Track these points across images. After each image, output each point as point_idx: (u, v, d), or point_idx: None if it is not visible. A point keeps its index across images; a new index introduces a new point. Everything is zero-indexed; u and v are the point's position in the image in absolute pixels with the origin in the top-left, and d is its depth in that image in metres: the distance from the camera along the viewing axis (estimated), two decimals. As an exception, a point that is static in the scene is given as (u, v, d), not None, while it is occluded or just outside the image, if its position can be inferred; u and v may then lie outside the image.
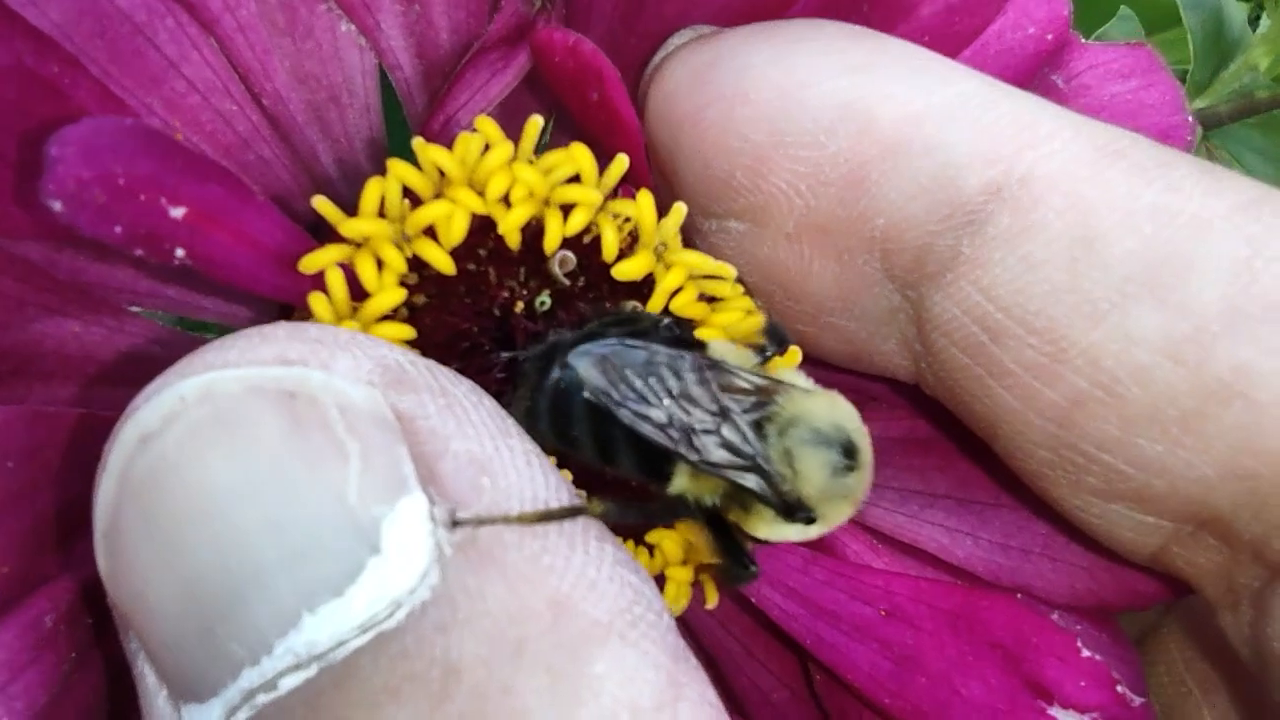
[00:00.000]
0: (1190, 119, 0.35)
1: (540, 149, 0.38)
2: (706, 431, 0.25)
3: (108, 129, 0.23)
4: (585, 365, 0.24)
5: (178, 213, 0.25)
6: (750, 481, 0.26)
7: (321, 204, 0.28)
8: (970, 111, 0.27)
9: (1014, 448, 0.29)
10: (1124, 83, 0.35)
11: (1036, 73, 0.35)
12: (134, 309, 0.32)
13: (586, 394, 0.25)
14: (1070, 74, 0.36)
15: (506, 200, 0.28)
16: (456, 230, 0.28)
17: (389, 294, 0.27)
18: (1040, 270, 0.26)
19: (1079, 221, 0.26)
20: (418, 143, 0.29)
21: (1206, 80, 0.82)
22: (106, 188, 0.23)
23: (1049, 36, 0.35)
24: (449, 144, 0.34)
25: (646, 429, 0.25)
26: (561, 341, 0.26)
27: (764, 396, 0.27)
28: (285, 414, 0.20)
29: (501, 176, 0.28)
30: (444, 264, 0.28)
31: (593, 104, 0.32)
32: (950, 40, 0.31)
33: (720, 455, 0.26)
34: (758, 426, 0.26)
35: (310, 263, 0.27)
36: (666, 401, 0.25)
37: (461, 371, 0.29)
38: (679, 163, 0.30)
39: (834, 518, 0.28)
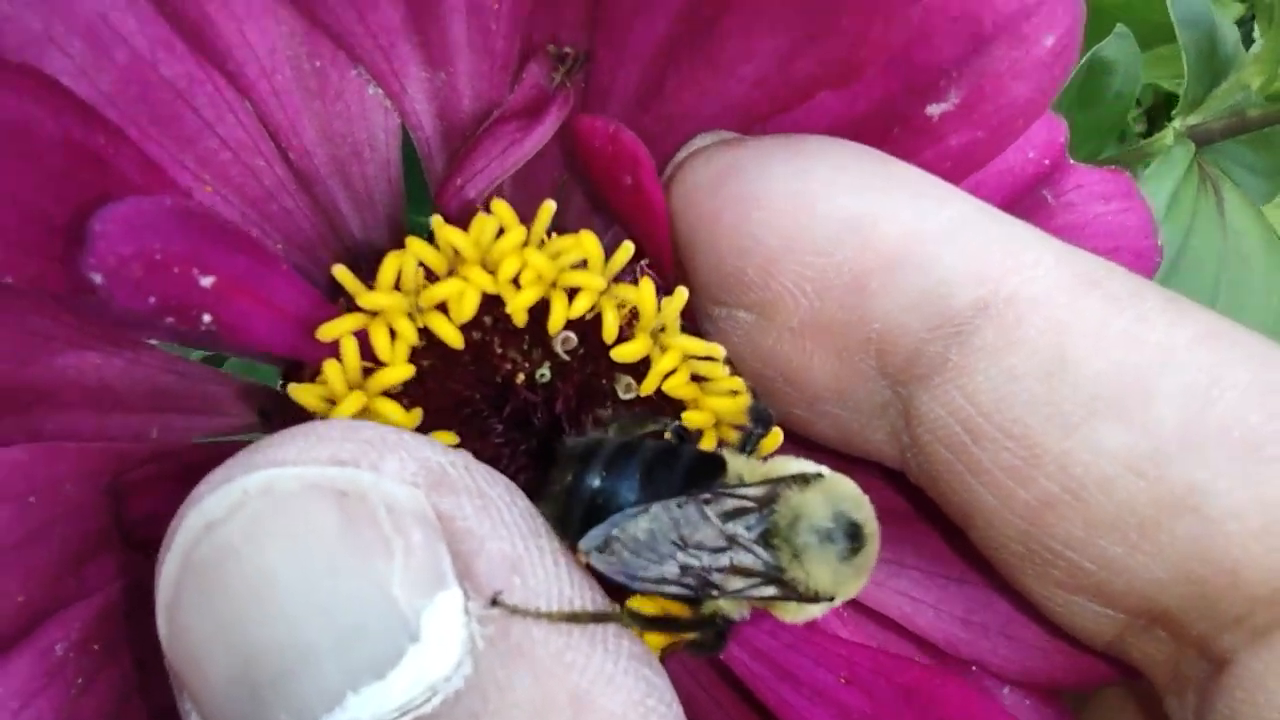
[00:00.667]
0: (1159, 243, 0.37)
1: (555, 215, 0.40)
2: (719, 569, 0.27)
3: (148, 209, 0.25)
4: (596, 558, 0.25)
5: (207, 282, 0.26)
6: (770, 591, 0.28)
7: (341, 274, 0.30)
8: (963, 234, 0.30)
9: (987, 538, 0.31)
10: (1106, 204, 0.38)
11: (1031, 191, 0.37)
12: (152, 342, 0.34)
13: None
14: (1059, 191, 0.38)
15: (516, 281, 0.30)
16: (467, 307, 0.29)
17: (399, 369, 0.29)
18: (1020, 382, 0.29)
19: (1056, 341, 0.28)
20: (436, 222, 0.31)
21: (1200, 97, 0.83)
22: (144, 263, 0.25)
23: (1046, 161, 0.37)
24: (463, 207, 0.36)
25: (668, 590, 0.27)
26: (593, 448, 0.28)
27: (764, 506, 0.28)
28: (338, 511, 0.22)
29: (513, 260, 0.30)
30: (453, 339, 0.29)
31: (626, 188, 0.34)
32: (967, 165, 0.33)
33: (737, 583, 0.28)
34: (765, 538, 0.28)
35: (327, 331, 0.29)
36: (679, 556, 0.26)
37: (462, 435, 0.31)
38: (695, 254, 0.32)
39: (851, 589, 0.30)
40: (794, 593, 0.28)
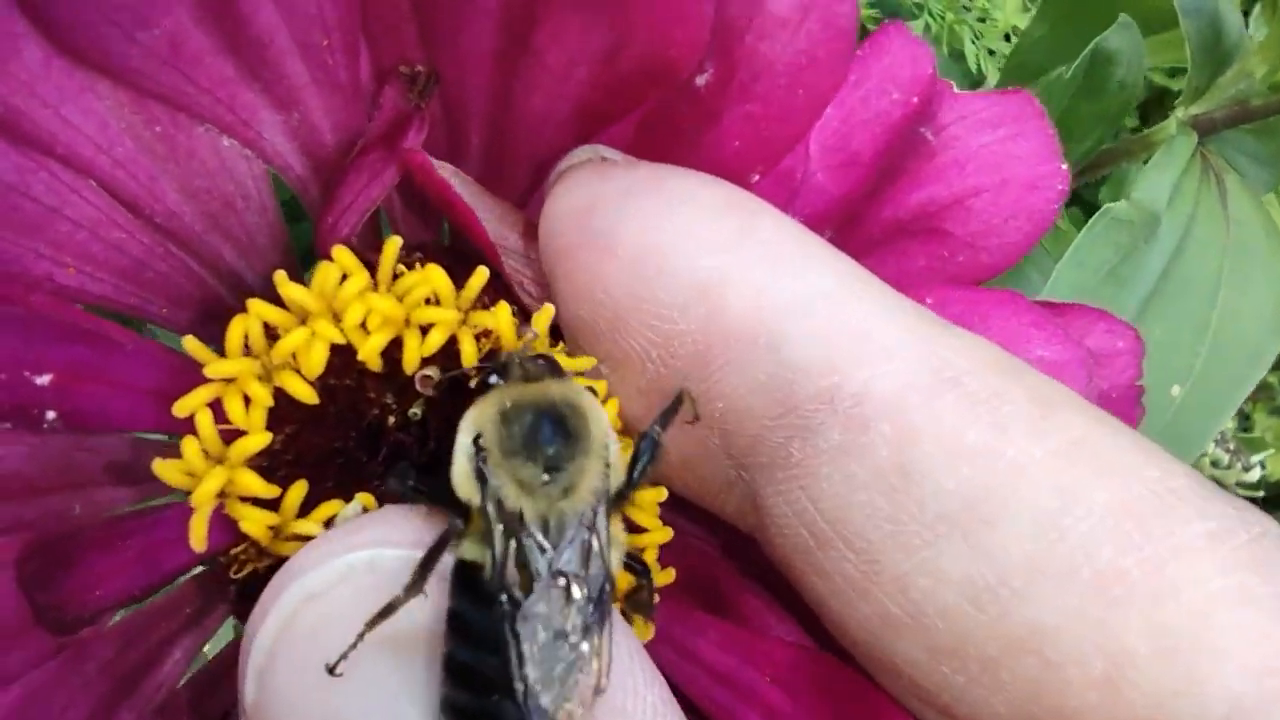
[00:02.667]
0: (1063, 168, 0.35)
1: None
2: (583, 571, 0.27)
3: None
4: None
5: (44, 380, 0.27)
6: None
7: (190, 344, 0.30)
8: (817, 310, 0.28)
9: (839, 636, 0.30)
10: (992, 132, 0.36)
11: (905, 133, 0.36)
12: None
13: None
14: (939, 126, 0.36)
15: (365, 326, 0.30)
16: (316, 360, 0.29)
17: (256, 437, 0.29)
18: (862, 493, 0.27)
19: (903, 452, 0.26)
20: (279, 278, 0.31)
21: (1204, 86, 0.80)
22: (-36, 377, 0.25)
23: (914, 99, 0.35)
24: (341, 244, 0.36)
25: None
26: None
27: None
28: None
29: (357, 306, 0.30)
30: (305, 394, 0.29)
31: (455, 223, 0.33)
32: (768, 144, 0.31)
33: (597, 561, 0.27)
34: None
35: (182, 407, 0.29)
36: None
37: (339, 486, 0.31)
38: (556, 290, 0.31)
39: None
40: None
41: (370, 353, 0.30)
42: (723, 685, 0.34)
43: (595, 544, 0.27)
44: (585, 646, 0.25)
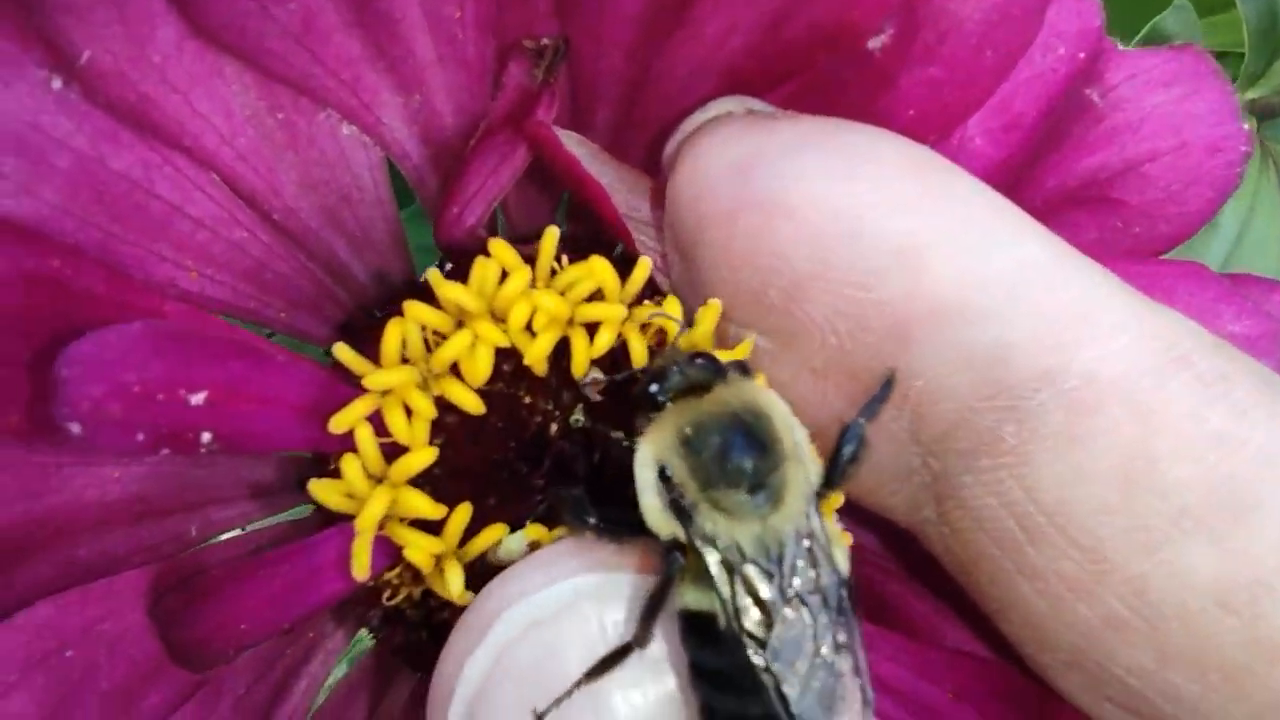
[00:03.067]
0: (1245, 128, 0.33)
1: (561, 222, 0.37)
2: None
3: (114, 340, 0.23)
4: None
5: (198, 399, 0.24)
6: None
7: (342, 352, 0.27)
8: (1033, 286, 0.25)
9: (1026, 638, 0.27)
10: (1166, 91, 0.33)
11: (1070, 92, 0.33)
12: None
13: None
14: (1106, 87, 0.33)
15: (529, 327, 0.27)
16: (481, 367, 0.27)
17: (421, 454, 0.26)
18: (1092, 484, 0.24)
19: (1139, 438, 0.24)
20: (433, 277, 0.28)
21: (1260, 71, 0.78)
22: (121, 399, 0.23)
23: (1080, 55, 0.32)
24: (465, 236, 0.33)
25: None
26: None
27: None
28: None
29: (522, 306, 0.27)
30: (471, 404, 0.27)
31: (585, 201, 0.31)
32: (945, 110, 0.29)
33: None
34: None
35: (339, 422, 0.26)
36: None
37: (501, 503, 0.29)
38: (703, 259, 0.28)
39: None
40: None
41: (537, 356, 0.27)
42: (898, 703, 0.31)
43: (818, 550, 0.25)
44: (845, 664, 0.23)
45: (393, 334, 0.27)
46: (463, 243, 0.34)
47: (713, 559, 0.24)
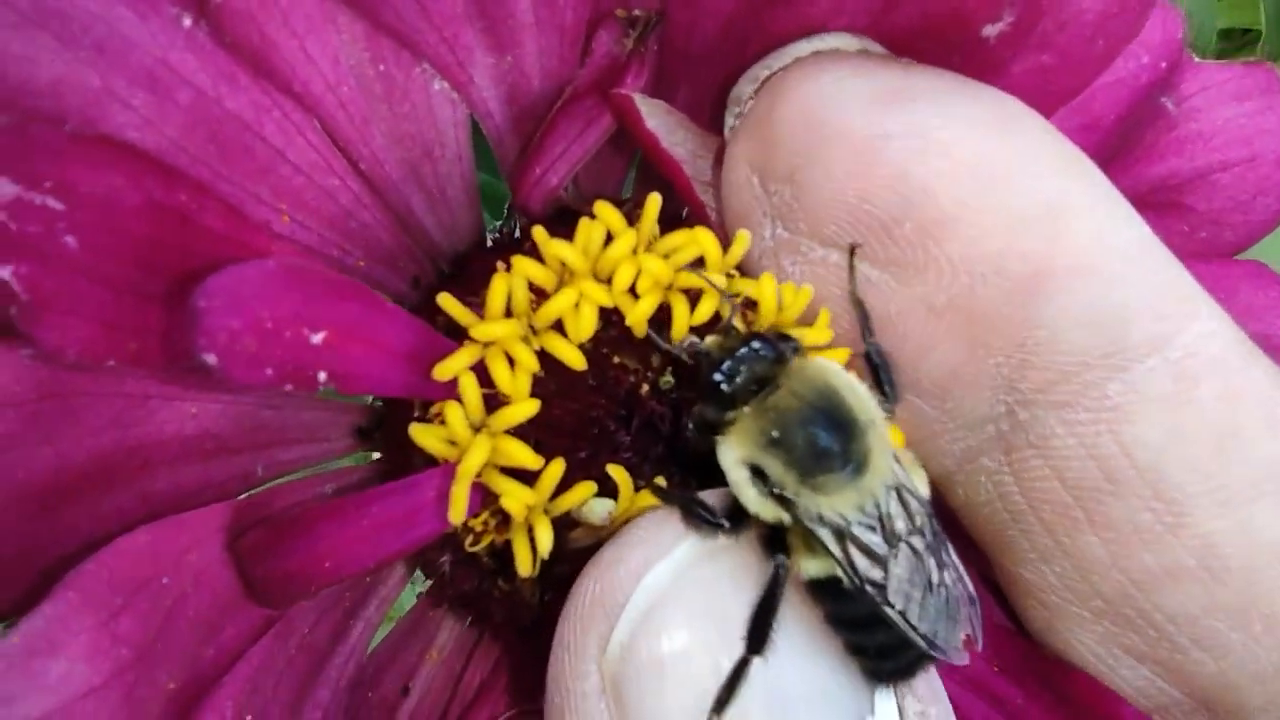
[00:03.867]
0: (1314, 148, 0.34)
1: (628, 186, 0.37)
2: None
3: (252, 275, 0.23)
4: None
5: (318, 338, 0.25)
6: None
7: (447, 302, 0.28)
8: (1151, 262, 0.27)
9: (1065, 587, 0.29)
10: (1238, 105, 0.34)
11: (1148, 99, 0.34)
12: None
13: None
14: (1181, 96, 0.35)
15: (632, 289, 0.28)
16: (585, 325, 0.27)
17: (524, 406, 0.27)
18: (1189, 446, 0.26)
19: (1231, 412, 0.26)
20: (539, 234, 0.28)
21: (1277, 50, 0.79)
22: (256, 334, 0.23)
23: (1163, 64, 0.33)
24: (546, 196, 0.34)
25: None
26: None
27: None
28: None
29: (627, 267, 0.28)
30: (575, 360, 0.27)
31: (660, 172, 0.31)
32: (1047, 98, 0.30)
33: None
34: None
35: (444, 370, 0.27)
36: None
37: (593, 455, 0.29)
38: (817, 182, 0.28)
39: None
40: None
41: (639, 318, 0.28)
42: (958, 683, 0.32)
43: (905, 492, 0.26)
44: (947, 577, 0.26)
45: (499, 287, 0.27)
46: (541, 203, 0.34)
47: (824, 533, 0.25)
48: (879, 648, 0.25)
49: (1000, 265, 0.26)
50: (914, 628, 0.25)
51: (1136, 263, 0.26)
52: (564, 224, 0.33)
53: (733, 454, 0.27)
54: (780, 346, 0.28)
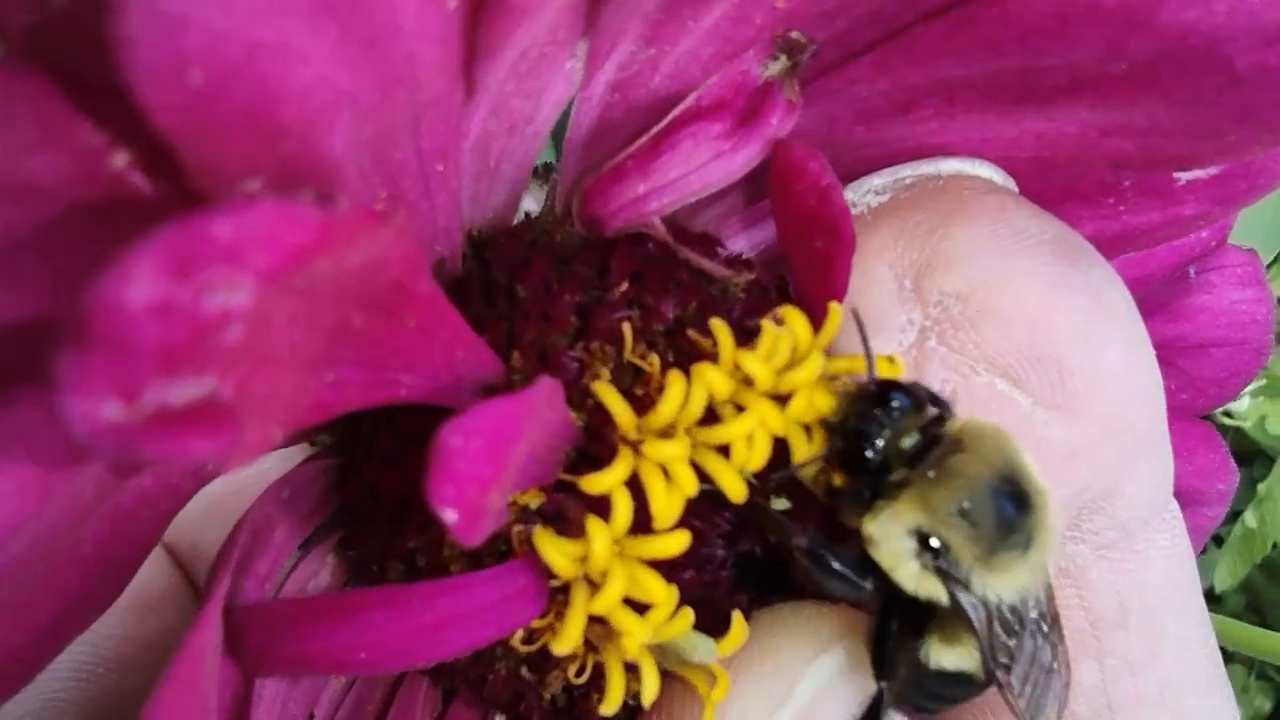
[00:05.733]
0: (1272, 338, 0.38)
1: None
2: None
3: (506, 413, 0.17)
4: None
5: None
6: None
7: (609, 397, 0.23)
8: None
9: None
10: (1242, 291, 0.37)
11: (1185, 266, 0.35)
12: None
13: None
14: (1202, 268, 0.36)
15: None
16: (757, 457, 0.24)
17: (674, 539, 0.23)
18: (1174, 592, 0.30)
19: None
20: (718, 330, 0.24)
21: None
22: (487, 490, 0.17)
23: (1213, 243, 0.35)
24: (630, 220, 0.28)
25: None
26: None
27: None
28: None
29: (803, 397, 0.24)
30: (737, 492, 0.24)
31: (815, 250, 0.27)
32: (1172, 235, 0.31)
33: None
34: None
35: (597, 483, 0.22)
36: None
37: (698, 578, 0.26)
38: (998, 305, 0.28)
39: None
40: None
41: (805, 457, 0.25)
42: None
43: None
44: (1058, 660, 0.25)
45: (675, 391, 0.23)
46: (623, 223, 0.29)
47: (979, 615, 0.24)
48: None
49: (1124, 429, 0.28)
50: (1026, 713, 0.25)
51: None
52: (630, 249, 0.28)
53: (900, 521, 0.24)
54: (916, 394, 0.25)
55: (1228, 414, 1.11)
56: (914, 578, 0.24)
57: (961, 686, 0.26)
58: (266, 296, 0.13)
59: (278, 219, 0.13)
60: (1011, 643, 0.24)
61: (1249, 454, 1.18)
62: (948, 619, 0.25)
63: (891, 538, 0.24)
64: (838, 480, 0.25)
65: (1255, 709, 1.20)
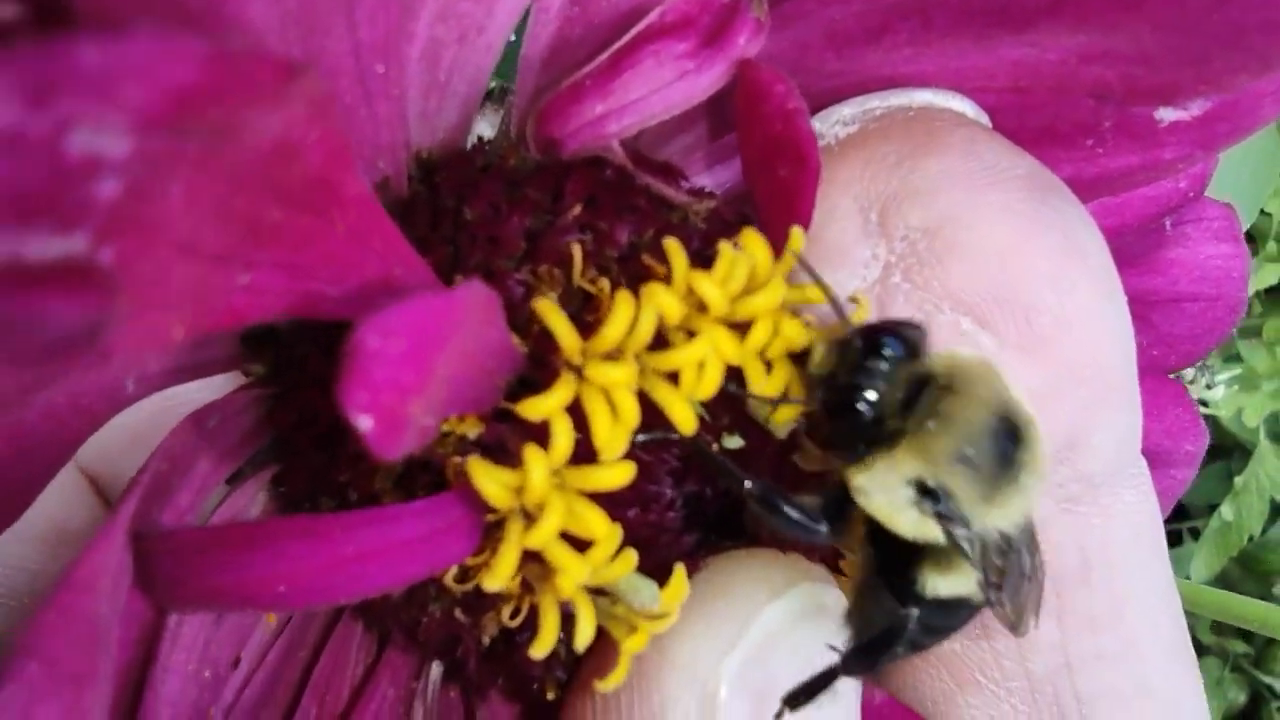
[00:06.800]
0: (1245, 295, 0.37)
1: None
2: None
3: (419, 315, 0.16)
4: None
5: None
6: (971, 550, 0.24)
7: (549, 313, 0.21)
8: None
9: (974, 662, 0.30)
10: (1218, 246, 0.35)
11: (1161, 216, 0.34)
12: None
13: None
14: (1178, 220, 0.35)
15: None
16: (708, 385, 0.22)
17: (617, 471, 0.21)
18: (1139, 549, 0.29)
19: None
20: (672, 248, 0.22)
21: None
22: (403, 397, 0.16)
23: (1190, 193, 0.34)
24: (589, 141, 0.27)
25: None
26: None
27: None
28: None
29: (765, 324, 0.23)
30: (686, 422, 0.22)
31: (779, 178, 0.26)
32: (1147, 179, 0.30)
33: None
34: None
35: (536, 408, 0.21)
36: None
37: (642, 516, 0.24)
38: (966, 240, 0.26)
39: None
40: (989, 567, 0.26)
41: (768, 389, 0.23)
42: None
43: None
44: (1032, 564, 0.25)
45: (623, 312, 0.21)
46: (580, 144, 0.27)
47: (976, 549, 0.23)
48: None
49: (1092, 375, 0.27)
50: (1012, 621, 0.25)
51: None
52: (586, 174, 0.27)
53: (898, 472, 0.23)
54: (908, 335, 0.24)
55: (1204, 404, 1.11)
56: (912, 524, 0.23)
57: (957, 613, 0.25)
58: (146, 147, 0.11)
59: (157, 49, 0.11)
60: (1000, 562, 0.24)
61: (1226, 446, 1.19)
62: (941, 550, 0.24)
63: (888, 488, 0.23)
64: (817, 433, 0.24)
65: (1229, 701, 1.20)
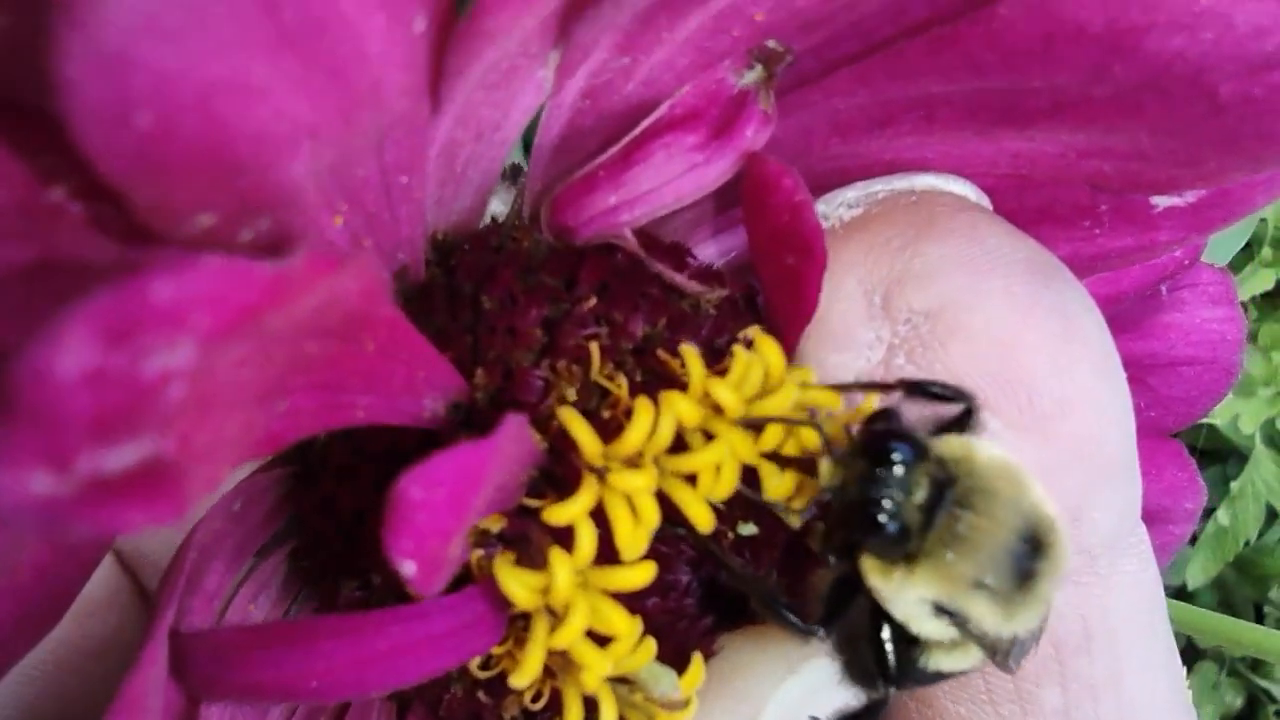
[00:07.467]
0: (1241, 358, 0.37)
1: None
2: None
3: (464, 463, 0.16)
4: None
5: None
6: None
7: (575, 424, 0.22)
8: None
9: None
10: (1213, 309, 0.36)
11: (1158, 284, 0.35)
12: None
13: None
14: (1174, 285, 0.36)
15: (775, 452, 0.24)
16: (724, 486, 0.23)
17: (639, 571, 0.22)
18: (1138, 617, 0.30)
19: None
20: (688, 354, 0.23)
21: None
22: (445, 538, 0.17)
23: (1186, 261, 0.35)
24: (599, 231, 0.27)
25: None
26: None
27: None
28: None
29: (776, 428, 0.24)
30: (704, 521, 0.23)
31: (786, 268, 0.27)
32: (1144, 257, 0.31)
33: None
34: None
35: (560, 514, 0.21)
36: None
37: (662, 604, 0.25)
38: (967, 323, 0.27)
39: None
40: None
41: (781, 493, 0.24)
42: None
43: None
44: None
45: (643, 420, 0.22)
46: (592, 233, 0.28)
47: (990, 643, 0.24)
48: None
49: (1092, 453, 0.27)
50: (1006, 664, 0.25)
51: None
52: (599, 260, 0.28)
53: (916, 591, 0.24)
54: (915, 440, 0.25)
55: (1200, 410, 1.12)
56: (929, 628, 0.24)
57: (956, 673, 0.26)
58: (209, 353, 0.12)
59: (223, 278, 0.12)
60: (1009, 643, 0.25)
61: (1221, 452, 1.19)
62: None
63: (904, 601, 0.24)
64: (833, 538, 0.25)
65: (1226, 706, 1.21)
